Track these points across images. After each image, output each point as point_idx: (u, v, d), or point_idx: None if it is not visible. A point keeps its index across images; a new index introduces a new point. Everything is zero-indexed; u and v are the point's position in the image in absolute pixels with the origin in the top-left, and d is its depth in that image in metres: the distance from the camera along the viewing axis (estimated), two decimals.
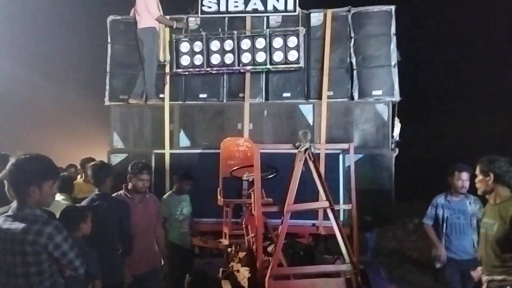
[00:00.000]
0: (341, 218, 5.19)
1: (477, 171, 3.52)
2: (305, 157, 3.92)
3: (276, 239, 3.99)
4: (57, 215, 3.93)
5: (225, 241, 4.93)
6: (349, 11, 5.99)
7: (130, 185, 4.46)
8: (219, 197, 5.09)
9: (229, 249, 4.78)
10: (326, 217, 5.26)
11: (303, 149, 3.89)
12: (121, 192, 4.45)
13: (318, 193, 5.03)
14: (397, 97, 5.83)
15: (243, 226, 4.67)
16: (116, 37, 6.43)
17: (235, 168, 4.86)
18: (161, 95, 6.25)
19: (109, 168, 4.53)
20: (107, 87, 6.38)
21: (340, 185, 5.61)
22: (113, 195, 4.31)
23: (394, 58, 5.86)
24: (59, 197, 4.86)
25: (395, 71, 5.85)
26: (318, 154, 5.12)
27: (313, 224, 5.64)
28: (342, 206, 4.97)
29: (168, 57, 6.22)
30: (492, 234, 3.39)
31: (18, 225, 2.54)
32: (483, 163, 3.47)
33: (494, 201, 3.45)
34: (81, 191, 5.49)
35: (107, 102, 6.39)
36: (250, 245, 4.45)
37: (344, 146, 5.10)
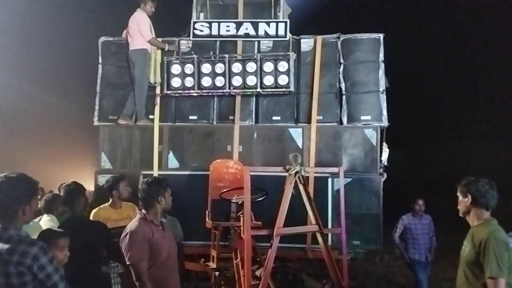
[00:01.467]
0: (329, 242, 5.16)
1: (458, 192, 3.55)
2: (296, 180, 3.94)
3: (265, 263, 3.96)
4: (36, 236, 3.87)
5: (213, 265, 4.86)
6: (338, 37, 6.12)
7: (158, 207, 3.55)
8: (207, 219, 5.05)
9: (216, 273, 4.71)
10: (314, 241, 5.29)
11: (294, 172, 3.91)
12: (139, 218, 3.49)
13: (306, 216, 5.06)
14: (385, 123, 5.91)
15: (232, 249, 4.62)
16: (107, 58, 6.46)
17: (225, 190, 4.84)
18: (151, 116, 6.25)
19: (80, 190, 4.27)
20: (97, 107, 6.37)
21: (329, 208, 5.61)
22: (132, 223, 3.50)
23: (382, 84, 5.97)
24: (45, 218, 4.79)
25: (383, 97, 5.96)
26: (307, 178, 5.12)
27: (302, 248, 5.60)
28: (331, 231, 4.95)
29: (158, 79, 6.25)
30: (464, 257, 3.38)
31: (3, 246, 2.50)
32: (462, 184, 3.50)
33: (472, 223, 3.46)
34: (109, 219, 4.73)
35: (96, 122, 6.36)
36: (239, 269, 4.39)
37: (334, 170, 5.15)
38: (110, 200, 4.83)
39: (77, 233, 3.71)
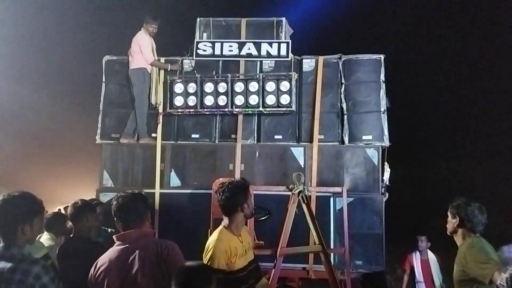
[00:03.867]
0: (332, 262, 5.12)
1: (448, 212, 3.64)
2: (299, 200, 3.94)
3: (269, 283, 3.92)
4: (40, 255, 3.83)
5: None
6: (340, 58, 6.19)
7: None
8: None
9: None
10: (316, 261, 5.25)
11: (297, 191, 3.92)
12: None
13: (308, 236, 5.04)
14: (386, 142, 5.93)
15: None
16: (110, 76, 6.52)
17: None
18: (153, 135, 6.27)
19: (86, 207, 4.06)
20: (99, 125, 6.39)
21: (331, 228, 5.58)
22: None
23: (383, 104, 6.02)
24: (45, 236, 4.77)
25: (384, 117, 5.99)
26: (310, 197, 5.11)
27: (304, 268, 5.55)
28: (335, 251, 4.92)
29: (160, 100, 6.29)
30: (455, 279, 3.51)
31: (5, 264, 2.49)
32: (453, 205, 3.60)
33: (458, 243, 3.57)
34: None
35: (98, 141, 6.37)
36: None
37: (337, 189, 5.17)
38: None
39: (75, 254, 3.67)
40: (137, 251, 2.77)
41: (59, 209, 6.57)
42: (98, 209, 4.56)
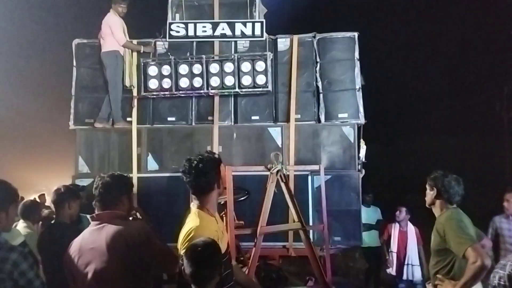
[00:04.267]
0: (311, 239, 5.22)
1: (427, 184, 3.75)
2: (277, 179, 3.97)
3: (249, 262, 3.98)
4: (17, 242, 3.79)
5: None
6: (314, 37, 6.19)
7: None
8: None
9: None
10: (296, 239, 5.35)
11: (275, 170, 3.96)
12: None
13: (287, 214, 5.11)
14: (362, 120, 6.01)
15: None
16: (81, 60, 6.34)
17: None
18: (128, 119, 6.18)
19: (68, 193, 3.99)
20: (72, 111, 6.24)
21: (310, 206, 5.67)
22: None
23: (358, 82, 6.07)
24: (21, 224, 4.70)
25: (359, 95, 6.05)
26: (288, 176, 5.16)
27: (284, 246, 5.64)
28: (314, 227, 5.01)
29: (134, 82, 6.18)
30: (432, 248, 3.64)
31: None
32: (431, 177, 3.71)
33: (436, 214, 3.69)
34: None
35: (72, 126, 6.24)
36: None
37: (315, 167, 5.23)
38: None
39: (59, 239, 3.62)
40: (104, 232, 2.77)
41: (34, 198, 6.47)
42: (81, 194, 4.49)
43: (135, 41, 6.30)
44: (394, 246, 7.29)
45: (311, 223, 5.49)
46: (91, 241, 2.78)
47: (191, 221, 2.82)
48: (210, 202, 2.93)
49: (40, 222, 5.17)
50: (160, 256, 2.91)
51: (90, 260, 2.71)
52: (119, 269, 2.70)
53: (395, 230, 7.36)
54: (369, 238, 7.82)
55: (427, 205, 3.81)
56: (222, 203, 4.60)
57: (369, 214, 7.84)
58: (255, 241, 4.03)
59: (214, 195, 2.94)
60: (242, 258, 4.52)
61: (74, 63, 6.33)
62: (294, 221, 4.57)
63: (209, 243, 2.50)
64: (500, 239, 5.68)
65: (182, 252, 2.59)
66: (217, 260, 2.48)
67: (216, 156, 3.04)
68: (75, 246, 2.81)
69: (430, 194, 3.71)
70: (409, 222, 7.32)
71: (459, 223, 3.44)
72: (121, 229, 2.77)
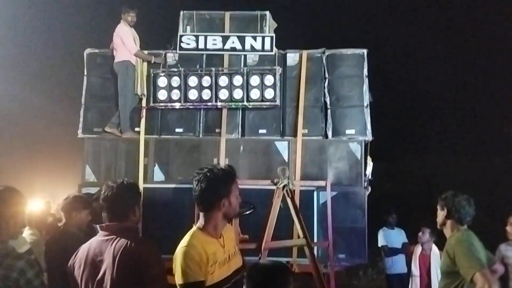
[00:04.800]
0: (316, 255, 5.17)
1: (438, 205, 3.70)
2: (283, 194, 3.95)
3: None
4: (23, 250, 3.78)
5: None
6: (323, 52, 6.22)
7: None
8: None
9: None
10: (300, 255, 5.30)
11: (282, 185, 3.94)
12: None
13: (292, 229, 5.08)
14: (369, 137, 5.99)
15: None
16: (92, 69, 6.41)
17: None
18: (136, 129, 6.21)
19: (76, 202, 3.97)
20: (81, 119, 6.28)
21: (315, 222, 5.62)
22: None
23: (366, 99, 6.07)
24: (27, 231, 4.70)
25: (367, 111, 6.05)
26: (294, 191, 5.14)
27: (288, 262, 5.58)
28: (319, 244, 4.96)
29: (144, 91, 6.22)
30: (442, 269, 3.58)
31: None
32: (442, 197, 3.66)
33: (447, 235, 3.63)
34: None
35: (80, 135, 6.28)
36: None
37: (321, 183, 5.21)
38: None
39: (64, 248, 3.61)
40: (112, 246, 2.66)
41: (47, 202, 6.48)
42: (95, 204, 4.46)
43: (145, 52, 6.36)
44: (416, 270, 6.68)
45: (315, 239, 5.44)
46: (98, 252, 2.68)
47: (182, 242, 2.59)
48: (213, 223, 2.62)
49: (44, 231, 5.17)
50: (158, 284, 2.68)
51: (96, 272, 2.64)
52: (123, 285, 2.60)
53: (416, 253, 6.73)
54: (396, 264, 7.19)
55: (438, 226, 3.75)
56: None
57: (393, 237, 7.29)
58: (260, 256, 4.00)
59: (219, 215, 2.63)
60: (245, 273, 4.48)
61: (85, 72, 6.39)
62: (299, 237, 4.53)
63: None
64: (509, 268, 5.13)
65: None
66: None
67: (230, 170, 2.72)
68: (82, 255, 2.73)
69: (441, 214, 3.66)
70: (434, 245, 6.62)
71: (469, 246, 3.38)
72: (131, 245, 2.64)
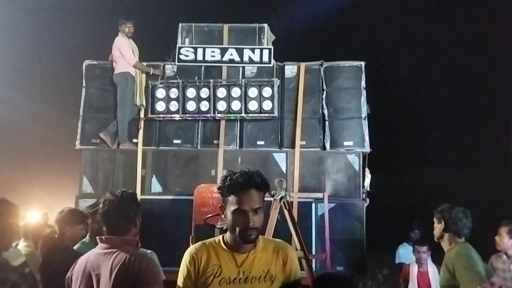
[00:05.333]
0: (314, 267, 5.14)
1: (434, 218, 3.68)
2: (281, 205, 3.94)
3: None
4: (17, 263, 3.75)
5: None
6: (321, 64, 6.26)
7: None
8: (190, 245, 4.96)
9: None
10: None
11: (279, 197, 3.93)
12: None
13: (290, 241, 5.04)
14: (367, 148, 6.00)
15: None
16: (90, 81, 6.44)
17: (209, 215, 4.80)
18: (134, 140, 6.21)
19: (70, 216, 3.88)
20: (79, 130, 6.30)
21: (313, 234, 5.60)
22: None
23: (364, 110, 6.09)
24: (22, 243, 4.67)
25: (365, 123, 6.07)
26: (292, 203, 5.12)
27: None
28: (317, 256, 4.93)
29: (143, 101, 6.24)
30: (440, 281, 3.55)
31: None
32: (438, 210, 3.64)
33: (445, 248, 3.60)
34: None
35: (78, 146, 6.27)
36: None
37: (319, 195, 5.20)
38: None
39: (59, 261, 3.58)
40: (111, 260, 2.55)
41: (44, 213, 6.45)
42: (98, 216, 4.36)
43: (145, 63, 6.39)
44: None
45: (314, 251, 5.41)
46: (96, 265, 2.57)
47: None
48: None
49: (41, 241, 5.13)
50: None
51: (92, 285, 2.54)
52: None
53: (413, 271, 5.99)
54: None
55: (435, 239, 3.72)
56: (224, 228, 4.55)
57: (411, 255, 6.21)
58: None
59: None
60: None
61: (84, 84, 6.42)
62: (296, 249, 4.50)
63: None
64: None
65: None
66: None
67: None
68: (79, 268, 2.64)
69: (438, 227, 3.63)
70: (429, 260, 5.95)
71: (468, 260, 3.35)
72: (130, 259, 2.53)
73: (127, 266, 2.52)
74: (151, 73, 6.27)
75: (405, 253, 6.69)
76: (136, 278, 2.49)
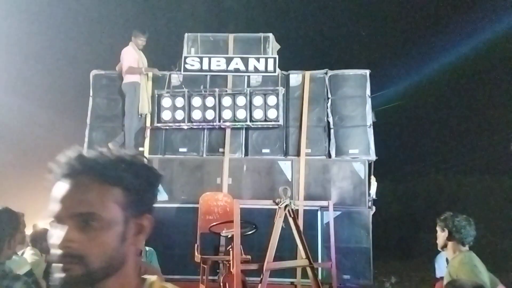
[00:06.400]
0: (319, 276, 5.12)
1: (437, 227, 3.64)
2: (285, 214, 3.95)
3: None
4: (25, 270, 3.77)
5: None
6: (326, 73, 6.28)
7: None
8: (196, 253, 4.99)
9: None
10: (304, 275, 5.24)
11: (283, 205, 3.93)
12: None
13: (295, 250, 5.04)
14: (373, 156, 5.99)
15: (221, 284, 4.56)
16: (98, 90, 6.51)
17: (214, 223, 4.81)
18: (140, 149, 6.25)
19: None
20: (86, 139, 6.36)
21: (319, 242, 5.59)
22: None
23: (369, 118, 6.09)
24: (28, 251, 4.70)
25: (370, 131, 6.07)
26: (297, 211, 5.13)
27: (292, 283, 5.54)
28: (322, 265, 4.91)
29: (149, 109, 6.28)
30: None
31: None
32: (441, 219, 3.60)
33: (449, 257, 3.56)
34: None
35: None
36: None
37: (324, 203, 5.19)
38: None
39: None
40: None
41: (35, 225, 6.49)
42: None
43: (150, 73, 6.43)
44: None
45: (319, 260, 5.39)
46: None
47: None
48: None
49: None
50: None
51: None
52: None
53: None
54: None
55: (439, 248, 3.69)
56: (229, 236, 4.57)
57: None
58: (261, 277, 3.97)
59: None
60: None
61: (91, 93, 6.48)
62: (302, 257, 4.49)
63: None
64: None
65: None
66: None
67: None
68: None
69: (441, 235, 3.60)
70: None
71: (473, 269, 3.32)
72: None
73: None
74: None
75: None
76: None
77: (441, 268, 5.16)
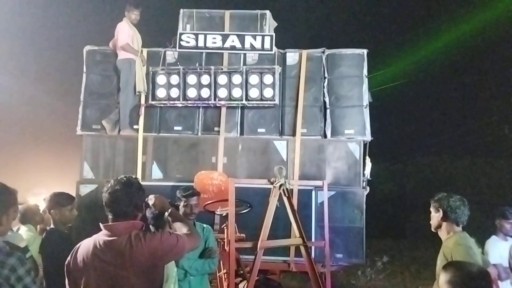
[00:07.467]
0: (313, 255, 5.17)
1: (431, 207, 3.62)
2: (280, 193, 3.95)
3: (249, 276, 3.94)
4: (21, 246, 3.78)
5: None
6: (323, 52, 6.21)
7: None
8: None
9: None
10: (297, 254, 5.30)
11: (278, 184, 3.93)
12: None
13: (289, 229, 5.08)
14: (368, 137, 5.98)
15: None
16: (91, 67, 6.41)
17: (209, 202, 4.82)
18: (135, 126, 6.21)
19: (54, 200, 3.87)
20: (80, 116, 6.30)
21: (313, 221, 5.63)
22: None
23: (366, 99, 6.06)
24: (23, 228, 4.70)
25: (366, 112, 6.04)
26: (292, 190, 5.14)
27: (285, 261, 5.59)
28: (315, 244, 4.95)
29: (145, 87, 6.21)
30: (437, 270, 3.39)
31: None
32: (435, 199, 3.58)
33: (443, 237, 3.54)
34: None
35: (79, 131, 6.28)
36: (222, 282, 4.36)
37: (318, 183, 5.20)
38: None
39: (53, 246, 3.64)
40: (123, 246, 2.46)
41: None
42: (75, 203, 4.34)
43: (145, 51, 6.35)
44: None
45: (313, 239, 5.44)
46: (104, 252, 2.49)
47: None
48: None
49: (39, 227, 5.15)
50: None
51: (103, 274, 2.45)
52: (141, 285, 2.45)
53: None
54: None
55: (432, 229, 3.67)
56: (224, 215, 4.59)
57: (505, 252, 4.74)
58: (255, 254, 4.00)
59: None
60: (241, 272, 4.48)
61: (84, 69, 6.39)
62: (296, 237, 4.53)
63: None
64: None
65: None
66: None
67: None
68: (84, 255, 2.53)
69: (436, 216, 3.56)
70: None
71: (468, 250, 3.31)
72: (144, 243, 2.47)
73: (146, 250, 2.47)
74: (138, 56, 6.18)
75: (499, 249, 4.78)
76: (161, 254, 2.49)
77: (494, 254, 4.74)
